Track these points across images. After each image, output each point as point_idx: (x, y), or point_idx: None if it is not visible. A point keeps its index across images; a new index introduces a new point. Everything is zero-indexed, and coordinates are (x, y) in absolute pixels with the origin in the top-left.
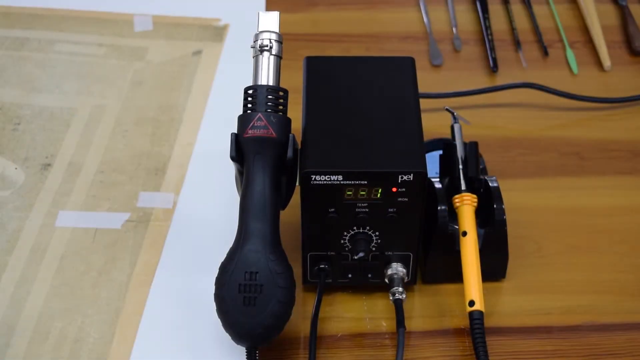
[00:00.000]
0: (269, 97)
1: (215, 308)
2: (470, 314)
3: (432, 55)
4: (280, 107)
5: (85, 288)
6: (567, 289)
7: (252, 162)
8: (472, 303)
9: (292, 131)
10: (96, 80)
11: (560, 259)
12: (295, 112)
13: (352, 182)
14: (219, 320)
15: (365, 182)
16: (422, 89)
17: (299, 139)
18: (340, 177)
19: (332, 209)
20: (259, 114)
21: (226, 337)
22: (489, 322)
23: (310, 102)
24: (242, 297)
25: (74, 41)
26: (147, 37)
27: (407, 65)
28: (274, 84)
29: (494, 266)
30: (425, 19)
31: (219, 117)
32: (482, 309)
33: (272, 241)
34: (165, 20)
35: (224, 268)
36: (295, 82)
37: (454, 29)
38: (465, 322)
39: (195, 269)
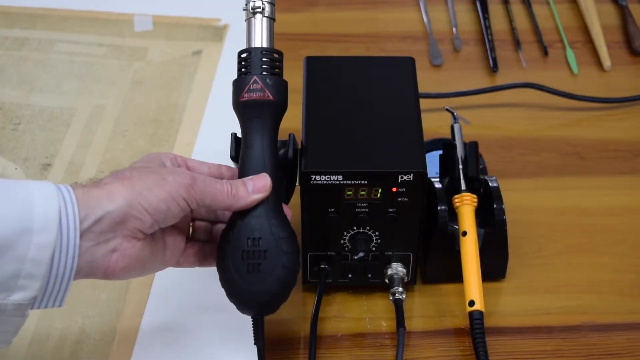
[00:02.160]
0: (264, 59)
1: (218, 277)
2: (470, 314)
3: (432, 55)
4: (277, 70)
5: (86, 289)
6: (567, 289)
7: (249, 126)
8: (472, 303)
9: (292, 131)
10: (96, 80)
11: (560, 259)
12: (296, 112)
13: (352, 182)
14: (221, 320)
15: (365, 182)
16: (422, 89)
17: (299, 139)
18: (340, 177)
19: (332, 209)
20: (255, 77)
21: (228, 337)
22: (489, 322)
23: (310, 102)
24: (246, 264)
25: (74, 41)
26: (147, 37)
27: (407, 65)
28: (268, 47)
29: (494, 266)
30: (425, 19)
31: (219, 117)
32: (482, 309)
33: (274, 206)
34: (165, 20)
35: (226, 235)
36: (295, 82)
37: (454, 29)
38: (465, 322)
39: (196, 269)
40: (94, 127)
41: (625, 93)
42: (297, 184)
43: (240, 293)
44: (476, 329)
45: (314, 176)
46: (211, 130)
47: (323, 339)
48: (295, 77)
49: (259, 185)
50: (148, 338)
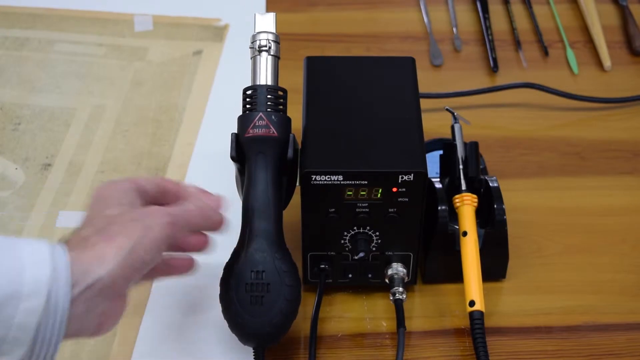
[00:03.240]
0: (269, 96)
1: (220, 309)
2: (471, 314)
3: (433, 55)
4: (281, 107)
5: None
6: (567, 289)
7: (254, 161)
8: (472, 303)
9: (292, 131)
10: (96, 80)
11: (560, 259)
12: (295, 112)
13: (353, 182)
14: (221, 320)
15: (366, 182)
16: (422, 89)
17: (299, 139)
18: (340, 177)
19: (333, 209)
20: (260, 114)
21: (228, 337)
22: (489, 322)
23: (310, 102)
24: (249, 297)
25: (74, 41)
26: (147, 37)
27: (407, 65)
28: (273, 84)
29: (494, 266)
30: (425, 19)
31: (219, 117)
32: (483, 309)
33: (277, 240)
34: (165, 20)
35: (230, 268)
36: (295, 82)
37: (454, 29)
38: (465, 322)
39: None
40: (94, 127)
41: (626, 93)
42: (297, 184)
43: (243, 325)
44: (476, 329)
45: (314, 176)
46: (211, 130)
47: (323, 339)
48: (295, 77)
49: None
50: (148, 338)
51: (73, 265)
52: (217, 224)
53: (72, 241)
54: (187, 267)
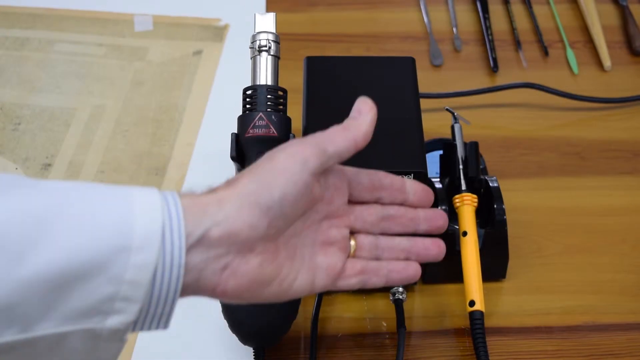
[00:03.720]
0: (269, 96)
1: (220, 309)
2: (471, 314)
3: (433, 55)
4: (281, 107)
5: None
6: (567, 289)
7: (254, 161)
8: (472, 303)
9: (292, 131)
10: (96, 80)
11: (560, 259)
12: (295, 112)
13: None
14: (221, 321)
15: None
16: (422, 89)
17: None
18: None
19: None
20: (260, 113)
21: (229, 337)
22: (489, 322)
23: (310, 102)
24: None
25: (74, 41)
26: (147, 37)
27: (407, 65)
28: (273, 84)
29: (494, 266)
30: (425, 19)
31: (219, 117)
32: (483, 309)
33: None
34: (165, 20)
35: None
36: (295, 82)
37: (454, 29)
38: (465, 322)
39: None
40: (94, 127)
41: (625, 93)
42: None
43: (243, 326)
44: (476, 329)
45: None
46: (211, 130)
47: (323, 339)
48: (295, 77)
49: (364, 107)
50: (148, 338)
51: (188, 211)
52: (365, 134)
53: (198, 192)
54: (436, 251)
